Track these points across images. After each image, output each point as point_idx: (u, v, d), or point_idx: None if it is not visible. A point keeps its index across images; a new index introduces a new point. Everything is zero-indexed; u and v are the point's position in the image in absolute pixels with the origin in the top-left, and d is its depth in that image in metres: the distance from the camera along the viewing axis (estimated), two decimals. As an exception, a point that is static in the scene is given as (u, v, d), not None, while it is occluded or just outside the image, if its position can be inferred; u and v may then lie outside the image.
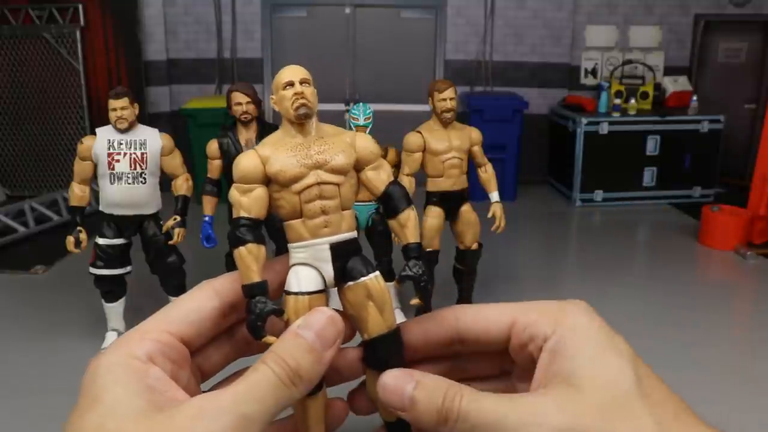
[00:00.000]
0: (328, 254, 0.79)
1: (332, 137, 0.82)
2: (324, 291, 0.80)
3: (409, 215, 0.84)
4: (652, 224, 5.71)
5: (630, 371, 0.61)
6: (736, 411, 2.68)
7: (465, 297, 3.50)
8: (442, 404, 0.63)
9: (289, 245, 0.80)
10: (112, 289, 3.14)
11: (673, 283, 4.15)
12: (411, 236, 0.83)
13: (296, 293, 0.77)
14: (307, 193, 0.79)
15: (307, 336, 0.65)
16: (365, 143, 0.84)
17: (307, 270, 0.79)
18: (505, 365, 0.75)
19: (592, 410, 0.59)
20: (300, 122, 0.81)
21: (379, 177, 0.84)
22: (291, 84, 0.82)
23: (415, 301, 0.76)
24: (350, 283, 0.79)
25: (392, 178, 0.85)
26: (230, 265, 3.45)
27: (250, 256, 0.76)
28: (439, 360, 0.78)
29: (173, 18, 6.34)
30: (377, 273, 0.80)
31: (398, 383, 0.66)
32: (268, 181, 0.80)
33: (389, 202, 0.84)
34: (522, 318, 0.69)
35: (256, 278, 0.75)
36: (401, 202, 0.84)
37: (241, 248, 0.76)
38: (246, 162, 0.79)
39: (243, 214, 0.78)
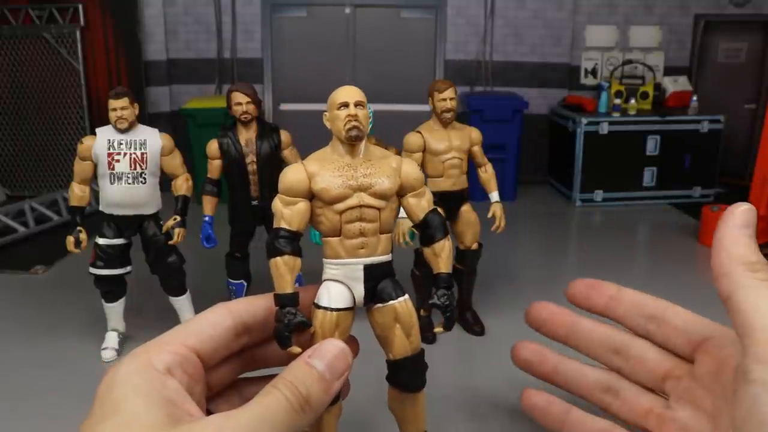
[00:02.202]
0: (361, 274, 0.81)
1: (379, 161, 0.84)
2: (352, 308, 0.82)
3: (444, 245, 0.87)
4: (652, 224, 5.71)
5: None
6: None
7: (465, 297, 3.49)
8: None
9: (324, 260, 0.83)
10: (112, 289, 3.14)
11: (673, 283, 4.14)
12: (443, 266, 0.87)
13: (326, 308, 0.79)
14: (348, 213, 0.81)
15: (318, 366, 0.65)
16: (411, 170, 0.86)
17: (338, 287, 0.81)
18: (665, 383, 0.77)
19: None
20: (351, 143, 0.82)
21: (420, 204, 0.87)
22: (346, 105, 0.84)
23: (438, 330, 0.78)
24: (379, 305, 0.82)
25: (432, 207, 0.87)
26: (230, 266, 3.44)
27: (285, 267, 0.78)
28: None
29: (173, 18, 6.33)
30: (406, 296, 0.82)
31: None
32: (311, 196, 0.81)
33: (426, 230, 0.88)
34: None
35: (288, 289, 0.77)
36: (438, 232, 0.87)
37: (278, 258, 0.78)
38: (292, 175, 0.81)
39: (283, 225, 0.81)
